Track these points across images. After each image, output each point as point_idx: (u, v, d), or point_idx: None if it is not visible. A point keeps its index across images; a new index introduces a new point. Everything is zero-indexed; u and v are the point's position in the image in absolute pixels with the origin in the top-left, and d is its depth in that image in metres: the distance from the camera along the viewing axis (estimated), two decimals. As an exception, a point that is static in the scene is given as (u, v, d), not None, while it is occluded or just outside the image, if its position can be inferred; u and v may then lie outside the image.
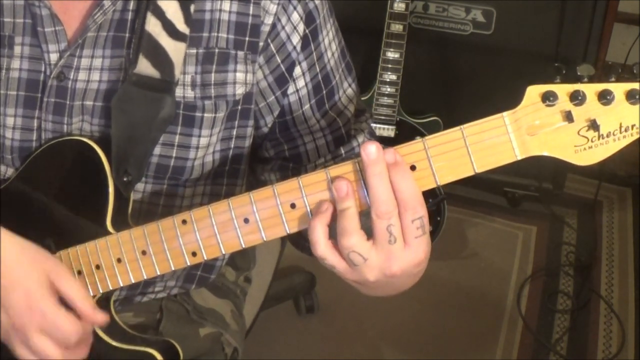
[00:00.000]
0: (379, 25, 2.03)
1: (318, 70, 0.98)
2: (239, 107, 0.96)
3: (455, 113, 2.26)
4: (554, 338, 2.09)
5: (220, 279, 1.19)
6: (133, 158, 0.90)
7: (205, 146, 0.96)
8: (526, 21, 2.20)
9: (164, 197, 0.99)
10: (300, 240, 1.03)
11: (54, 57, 0.91)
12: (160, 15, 0.89)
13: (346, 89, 1.02)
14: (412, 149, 0.73)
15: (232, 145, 1.00)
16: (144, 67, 0.89)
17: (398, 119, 2.13)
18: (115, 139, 0.89)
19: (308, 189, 0.76)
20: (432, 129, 2.14)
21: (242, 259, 1.25)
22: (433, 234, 2.21)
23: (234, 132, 0.99)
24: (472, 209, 2.49)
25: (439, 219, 2.18)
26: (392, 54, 2.03)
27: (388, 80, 2.06)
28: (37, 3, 0.89)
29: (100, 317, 0.87)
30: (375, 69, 2.07)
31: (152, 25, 0.89)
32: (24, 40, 0.91)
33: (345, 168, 0.75)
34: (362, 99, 2.10)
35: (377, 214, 0.72)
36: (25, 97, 0.92)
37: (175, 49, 0.90)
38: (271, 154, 1.04)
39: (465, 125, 0.71)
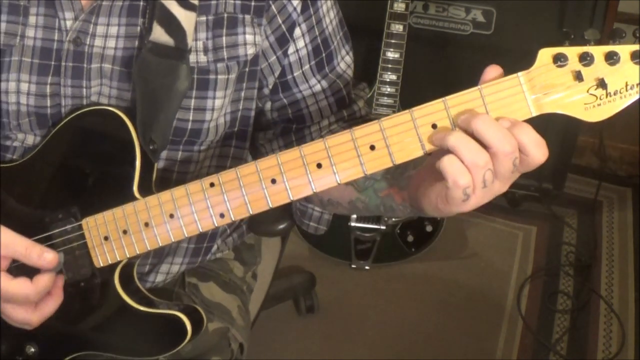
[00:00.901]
0: (379, 25, 2.03)
1: (317, 33, 1.02)
2: (247, 69, 1.00)
3: (455, 113, 2.25)
4: (554, 338, 2.09)
5: (228, 274, 1.21)
6: (156, 125, 0.93)
7: (220, 108, 1.00)
8: (526, 21, 2.20)
9: (179, 163, 1.03)
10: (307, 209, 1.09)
11: (69, 23, 0.95)
12: None
13: (344, 56, 1.07)
14: (433, 108, 0.76)
15: (241, 107, 1.04)
16: (159, 34, 0.93)
17: (398, 119, 2.13)
18: (139, 107, 0.92)
19: (334, 150, 0.79)
20: (432, 129, 2.13)
21: (248, 253, 1.27)
22: (433, 234, 2.21)
23: (242, 94, 1.03)
24: (472, 208, 2.49)
25: (438, 218, 2.18)
26: (392, 54, 2.03)
27: (388, 80, 2.06)
28: None
29: (49, 259, 0.89)
30: (375, 69, 2.07)
31: None
32: (38, 11, 0.95)
33: (372, 127, 0.77)
34: (362, 99, 2.10)
35: (504, 154, 0.72)
36: (39, 65, 0.96)
37: (186, 18, 0.93)
38: (274, 116, 1.07)
39: (483, 85, 0.76)
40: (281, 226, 1.26)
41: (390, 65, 2.05)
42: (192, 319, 0.95)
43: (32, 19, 0.95)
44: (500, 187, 0.76)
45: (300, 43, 1.01)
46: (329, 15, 1.03)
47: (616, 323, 2.12)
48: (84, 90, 0.97)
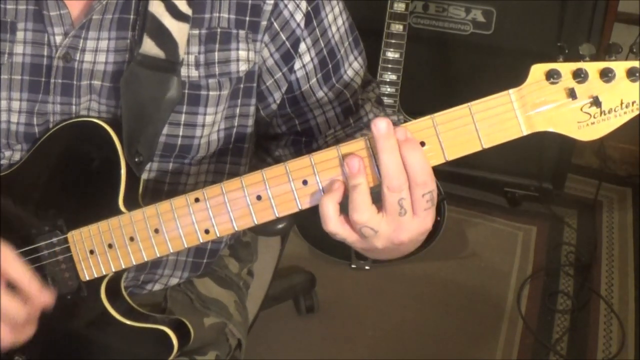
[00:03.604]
0: (379, 25, 2.03)
1: (323, 45, 1.01)
2: (242, 86, 0.99)
3: (455, 113, 2.25)
4: (554, 338, 2.09)
5: (223, 270, 1.21)
6: (143, 138, 0.92)
7: (211, 124, 0.99)
8: (526, 21, 2.20)
9: (170, 175, 1.01)
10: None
11: (59, 39, 0.93)
12: None
13: (352, 62, 1.05)
14: (421, 126, 0.75)
15: (236, 124, 1.02)
16: (149, 47, 0.91)
17: (398, 119, 2.13)
18: (126, 120, 0.91)
19: (320, 166, 0.77)
20: (432, 129, 2.13)
21: (244, 250, 1.27)
22: (433, 234, 2.21)
23: (237, 111, 1.01)
24: (472, 209, 2.49)
25: (439, 218, 2.18)
26: (392, 54, 2.03)
27: (388, 80, 2.06)
28: None
29: (46, 297, 0.89)
30: (375, 69, 2.07)
31: (156, 7, 0.91)
32: (26, 26, 0.93)
33: (356, 145, 0.76)
34: (362, 99, 2.10)
35: (388, 187, 0.74)
36: (29, 82, 0.94)
37: (178, 30, 0.92)
38: (283, 129, 1.07)
39: (473, 103, 0.73)
40: (280, 225, 1.26)
41: (390, 65, 2.05)
42: (179, 333, 0.95)
43: (20, 35, 0.93)
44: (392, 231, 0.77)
45: (307, 58, 1.00)
46: (336, 23, 1.02)
47: (616, 323, 2.12)
48: (73, 107, 0.95)
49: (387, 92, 2.08)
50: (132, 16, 0.93)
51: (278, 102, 1.03)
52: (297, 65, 1.00)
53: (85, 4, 0.93)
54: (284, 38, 0.97)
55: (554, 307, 2.18)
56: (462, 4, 2.22)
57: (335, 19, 1.02)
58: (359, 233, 0.77)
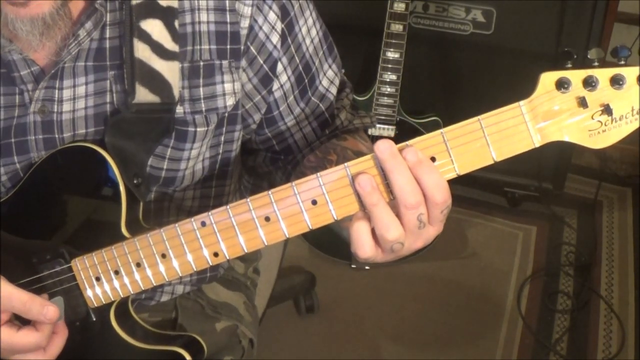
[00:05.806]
0: (379, 25, 2.03)
1: (298, 61, 0.98)
2: (226, 115, 0.97)
3: (455, 113, 2.25)
4: (554, 338, 2.09)
5: (230, 272, 1.21)
6: (139, 161, 0.90)
7: (196, 156, 0.97)
8: (526, 21, 2.20)
9: (154, 202, 0.99)
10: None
11: (32, 93, 0.89)
12: (147, 39, 0.87)
13: (326, 71, 1.03)
14: (432, 142, 0.73)
15: (221, 151, 1.00)
16: (143, 95, 0.87)
17: (398, 119, 2.13)
18: (112, 150, 0.88)
19: (328, 186, 0.75)
20: (432, 129, 2.13)
21: None
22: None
23: (222, 138, 0.99)
24: (472, 209, 2.49)
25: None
26: (392, 54, 2.03)
27: (388, 80, 2.06)
28: (7, 49, 0.85)
29: (50, 314, 0.85)
30: (375, 69, 2.07)
31: (141, 51, 0.87)
32: None
33: (365, 164, 0.74)
34: (362, 99, 2.10)
35: (405, 206, 0.72)
36: (2, 146, 0.90)
37: (169, 69, 0.89)
38: (260, 147, 1.05)
39: (483, 116, 0.71)
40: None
41: (390, 65, 2.05)
42: (193, 351, 0.94)
43: None
44: (412, 243, 0.76)
45: (284, 77, 0.97)
46: (310, 34, 0.99)
47: (616, 323, 2.12)
48: None
49: (387, 92, 2.08)
50: (108, 63, 0.89)
51: (257, 122, 1.01)
52: (275, 86, 0.98)
53: (56, 54, 0.87)
54: (261, 62, 0.95)
55: (554, 307, 2.18)
56: (462, 4, 2.22)
57: (309, 30, 0.99)
58: (387, 250, 0.75)
